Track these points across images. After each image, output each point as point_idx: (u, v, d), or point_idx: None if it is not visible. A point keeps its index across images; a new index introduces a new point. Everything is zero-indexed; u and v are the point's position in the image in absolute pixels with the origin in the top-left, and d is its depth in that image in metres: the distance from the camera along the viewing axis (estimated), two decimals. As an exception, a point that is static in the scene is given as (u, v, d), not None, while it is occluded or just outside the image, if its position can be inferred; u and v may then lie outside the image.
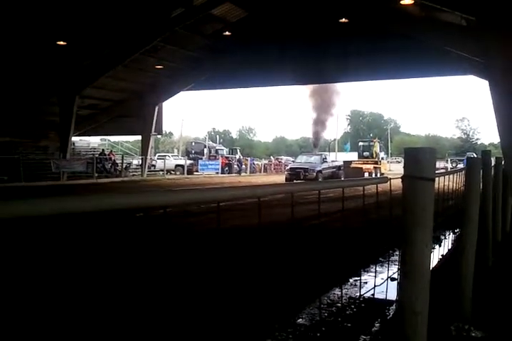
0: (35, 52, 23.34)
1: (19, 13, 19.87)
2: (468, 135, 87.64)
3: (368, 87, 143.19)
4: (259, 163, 48.54)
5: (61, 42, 23.15)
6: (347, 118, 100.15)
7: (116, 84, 30.12)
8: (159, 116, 33.90)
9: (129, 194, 1.18)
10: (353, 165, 34.43)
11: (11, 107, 27.56)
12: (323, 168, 30.99)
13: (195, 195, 1.34)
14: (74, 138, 32.17)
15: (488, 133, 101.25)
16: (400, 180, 2.24)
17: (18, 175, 23.48)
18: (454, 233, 7.60)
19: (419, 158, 2.19)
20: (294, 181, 27.61)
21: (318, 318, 3.99)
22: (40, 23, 21.05)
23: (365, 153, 38.29)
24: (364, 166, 34.64)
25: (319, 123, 55.85)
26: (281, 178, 31.03)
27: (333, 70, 27.84)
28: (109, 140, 44.40)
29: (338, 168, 33.17)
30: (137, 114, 32.51)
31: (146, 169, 32.83)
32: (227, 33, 27.05)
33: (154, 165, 37.59)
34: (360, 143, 41.13)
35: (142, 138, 33.58)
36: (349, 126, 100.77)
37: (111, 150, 36.42)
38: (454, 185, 6.94)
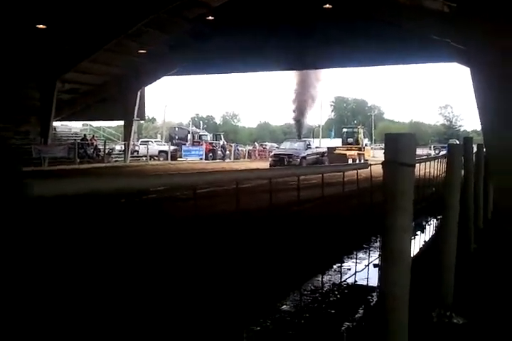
0: (14, 36, 22.86)
1: (-3, -6, 19.45)
2: (452, 122, 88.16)
3: (352, 73, 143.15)
4: (244, 149, 48.47)
5: (41, 26, 22.72)
6: (331, 105, 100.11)
7: (98, 68, 29.71)
8: (142, 101, 33.60)
9: (109, 177, 1.15)
10: (336, 152, 34.64)
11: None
12: (308, 154, 31.09)
13: (177, 179, 1.32)
14: (55, 123, 31.80)
15: (471, 121, 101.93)
16: (381, 166, 2.22)
17: (-2, 160, 23.14)
18: (436, 220, 7.65)
19: (399, 143, 2.17)
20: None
21: (301, 304, 4.00)
22: (19, 5, 20.61)
23: (349, 140, 38.55)
24: (348, 152, 34.88)
25: (301, 110, 55.85)
26: (265, 164, 31.05)
27: (317, 56, 27.79)
28: (91, 125, 43.92)
29: (322, 154, 33.29)
30: (119, 99, 32.13)
31: (129, 155, 32.58)
32: (210, 17, 26.76)
33: (137, 151, 37.34)
34: (344, 130, 41.41)
35: (125, 123, 33.24)
36: (333, 113, 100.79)
37: (93, 136, 36.06)
38: (436, 172, 6.97)
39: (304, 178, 2.29)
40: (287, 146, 33.04)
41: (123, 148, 32.91)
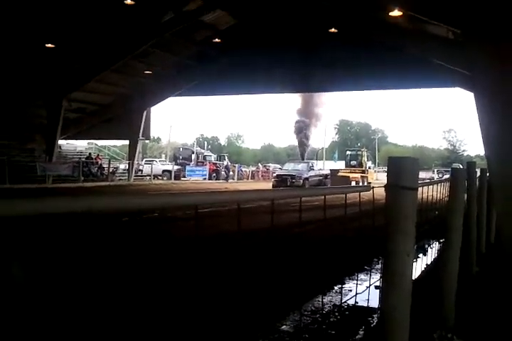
0: (23, 54, 23.21)
1: (7, 13, 19.76)
2: (455, 146, 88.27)
3: (357, 97, 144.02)
4: (247, 170, 48.54)
5: (49, 45, 23.05)
6: (335, 128, 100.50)
7: (105, 88, 30.03)
8: (147, 121, 33.80)
9: (111, 196, 1.17)
10: (340, 174, 34.65)
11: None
12: (310, 176, 31.10)
13: (179, 199, 1.34)
14: (60, 142, 31.95)
15: (474, 145, 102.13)
16: (384, 188, 2.25)
17: (4, 177, 23.25)
18: (439, 243, 7.64)
19: (402, 167, 2.20)
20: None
21: (301, 325, 3.99)
22: (29, 24, 20.96)
23: (353, 162, 38.57)
24: (351, 175, 34.86)
25: (305, 132, 56.34)
26: (268, 185, 31.06)
27: (321, 79, 28.01)
28: (96, 144, 44.14)
29: (325, 176, 33.30)
30: (125, 119, 32.34)
31: (133, 174, 32.67)
32: (216, 39, 27.12)
33: (141, 170, 37.42)
34: (348, 152, 41.46)
35: (130, 142, 33.42)
36: (337, 136, 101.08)
37: (98, 154, 36.22)
38: (439, 195, 6.99)
39: (306, 200, 2.32)
40: (290, 167, 33.08)
41: (127, 167, 33.00)
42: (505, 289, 4.54)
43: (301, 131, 56.47)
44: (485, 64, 5.17)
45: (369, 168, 39.61)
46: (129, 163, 32.59)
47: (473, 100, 5.17)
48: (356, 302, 4.19)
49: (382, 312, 2.26)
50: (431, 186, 6.32)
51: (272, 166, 55.30)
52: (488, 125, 5.08)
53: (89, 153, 34.90)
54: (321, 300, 4.64)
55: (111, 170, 31.71)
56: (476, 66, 5.30)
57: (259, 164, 59.79)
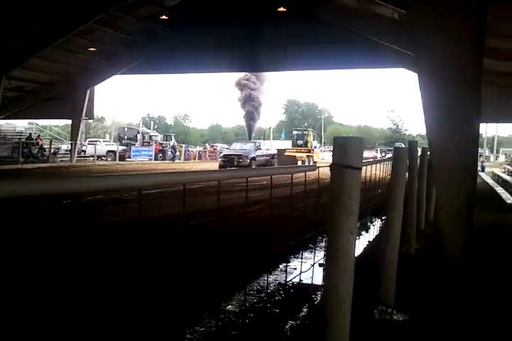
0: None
1: None
2: (398, 126, 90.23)
3: (304, 77, 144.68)
4: (194, 150, 48.22)
5: (-14, 20, 21.95)
6: (283, 108, 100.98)
7: (47, 65, 28.91)
8: (91, 100, 32.90)
9: (44, 179, 1.12)
10: (286, 154, 35.04)
11: None
12: (257, 155, 31.22)
13: (118, 181, 1.30)
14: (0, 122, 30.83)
15: (416, 125, 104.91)
16: (329, 169, 2.28)
17: None
18: (381, 220, 7.85)
19: (347, 147, 2.23)
20: (227, 168, 27.83)
21: (247, 304, 4.03)
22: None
23: (299, 142, 39.12)
24: (297, 154, 35.36)
25: (251, 112, 56.39)
26: (215, 165, 31.03)
27: (269, 58, 27.98)
28: (37, 124, 42.71)
29: (272, 156, 33.53)
30: (68, 98, 31.40)
31: (76, 154, 31.88)
32: (163, 17, 26.56)
33: (84, 151, 36.54)
34: (294, 132, 42.02)
35: (72, 122, 32.46)
36: (285, 115, 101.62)
37: (38, 135, 35.07)
38: (382, 173, 7.15)
39: (253, 180, 2.32)
40: (237, 147, 33.09)
41: (69, 147, 32.16)
42: (441, 266, 4.72)
43: (249, 111, 56.39)
44: (429, 46, 5.28)
45: (315, 147, 40.21)
46: (71, 144, 31.76)
47: (417, 81, 5.28)
48: (301, 280, 4.26)
49: (326, 289, 2.30)
50: (374, 165, 6.44)
51: (219, 146, 55.14)
52: (430, 105, 5.21)
53: (30, 134, 33.74)
54: (266, 279, 4.70)
55: (52, 151, 30.87)
56: (421, 48, 5.40)
57: (207, 144, 59.53)
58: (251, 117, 56.58)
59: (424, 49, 5.30)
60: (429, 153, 7.25)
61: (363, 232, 7.01)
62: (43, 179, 1.08)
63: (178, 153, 41.33)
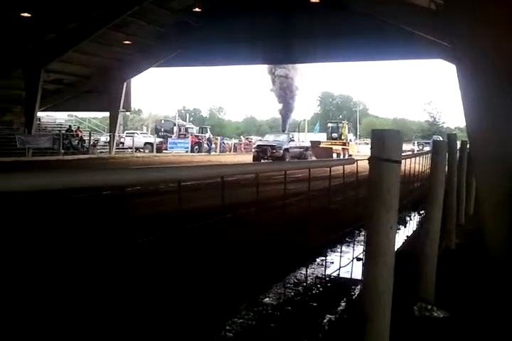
0: (-2, 25, 22.52)
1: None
2: (435, 118, 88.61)
3: (340, 69, 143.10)
4: (229, 143, 48.39)
5: (26, 14, 22.38)
6: (317, 100, 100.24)
7: (84, 58, 29.45)
8: (128, 92, 33.37)
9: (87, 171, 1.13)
10: (321, 146, 34.76)
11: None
12: (291, 147, 31.06)
13: (157, 174, 1.30)
14: (40, 114, 31.45)
15: (454, 117, 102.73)
16: (367, 161, 2.24)
17: (-19, 150, 22.96)
18: (419, 214, 7.73)
19: (385, 140, 2.18)
20: (262, 159, 27.85)
21: (284, 298, 4.02)
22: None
23: (334, 134, 38.72)
24: (333, 147, 35.01)
25: (286, 104, 56.03)
26: (250, 158, 31.07)
27: (301, 50, 27.83)
28: (76, 116, 43.54)
29: (306, 148, 33.31)
30: (105, 90, 31.92)
31: (114, 146, 32.39)
32: (197, 9, 26.63)
33: (123, 143, 37.10)
34: (329, 125, 41.58)
35: (110, 114, 33.03)
36: (319, 108, 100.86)
37: (78, 127, 35.75)
38: (420, 167, 7.03)
39: (288, 173, 2.31)
40: (271, 138, 32.99)
41: (108, 139, 32.69)
42: (483, 261, 4.61)
43: (284, 103, 56.02)
44: (468, 36, 5.13)
45: (350, 140, 39.77)
46: (110, 136, 32.27)
47: (455, 72, 5.14)
48: (339, 274, 4.23)
49: (365, 284, 2.27)
50: (412, 158, 6.35)
51: (254, 139, 55.20)
52: (470, 97, 5.07)
53: (70, 126, 34.42)
54: (302, 272, 4.68)
55: (92, 143, 31.39)
56: (459, 38, 5.25)
57: (242, 136, 59.63)
58: (285, 107, 56.21)
59: (462, 39, 5.16)
60: (468, 145, 7.10)
61: (402, 227, 6.92)
62: (88, 171, 1.10)
63: (213, 146, 41.55)
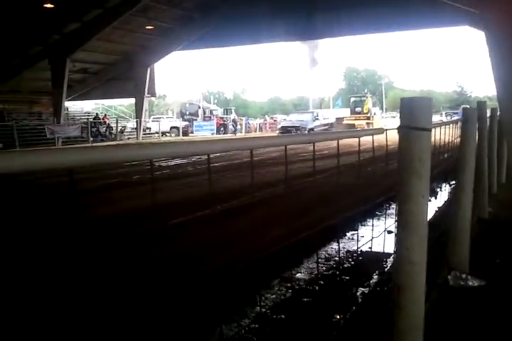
0: (22, 16, 22.70)
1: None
2: (463, 88, 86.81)
3: (362, 42, 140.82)
4: (254, 123, 48.28)
5: (48, 5, 22.52)
6: (342, 75, 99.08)
7: (107, 46, 29.61)
8: (152, 77, 33.49)
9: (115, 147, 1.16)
10: (345, 122, 34.26)
11: (1, 74, 27.18)
12: (315, 126, 30.88)
13: (187, 148, 1.33)
14: (67, 103, 31.86)
15: (482, 86, 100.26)
16: (397, 131, 2.21)
17: (13, 141, 23.39)
18: (449, 185, 7.64)
19: (415, 108, 2.15)
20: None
21: (316, 272, 4.04)
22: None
23: (358, 109, 37.52)
24: (356, 122, 34.35)
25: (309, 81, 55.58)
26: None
27: (325, 25, 27.43)
28: (102, 104, 43.91)
29: (331, 124, 33.05)
30: (130, 77, 32.11)
31: (142, 132, 32.67)
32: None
33: (149, 128, 37.35)
34: (352, 99, 40.16)
35: (136, 100, 33.27)
36: (344, 83, 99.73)
37: (105, 114, 36.09)
38: (449, 137, 6.92)
39: (316, 149, 2.29)
40: (294, 118, 32.73)
41: (135, 125, 32.97)
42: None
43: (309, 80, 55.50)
44: (497, 1, 4.99)
45: (375, 114, 38.74)
46: (136, 122, 32.55)
47: (484, 39, 5.01)
48: (370, 247, 4.23)
49: (398, 254, 2.26)
50: (440, 128, 6.24)
51: (279, 118, 54.95)
52: (500, 64, 4.94)
53: (96, 113, 34.76)
54: (333, 247, 4.69)
55: (119, 130, 31.71)
56: (487, 3, 5.11)
57: (266, 116, 59.40)
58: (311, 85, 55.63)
59: (493, 7, 5.02)
60: (498, 113, 6.94)
61: (433, 198, 6.85)
62: (113, 148, 1.13)
63: (239, 126, 41.54)
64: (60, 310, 3.16)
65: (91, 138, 27.68)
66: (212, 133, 38.03)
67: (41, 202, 7.48)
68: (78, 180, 1.36)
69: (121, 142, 28.95)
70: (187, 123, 39.24)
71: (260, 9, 26.83)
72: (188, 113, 42.80)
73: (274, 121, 50.36)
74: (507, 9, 4.91)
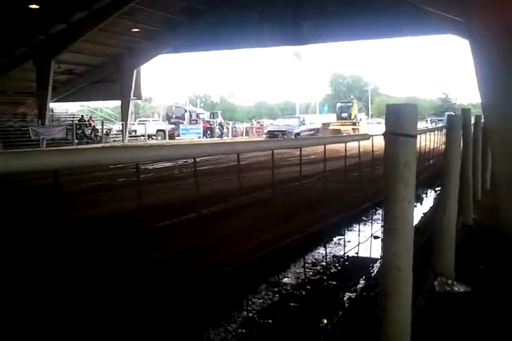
0: (7, 17, 22.52)
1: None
2: (447, 95, 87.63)
3: (349, 50, 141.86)
4: (241, 127, 48.29)
5: (34, 6, 22.38)
6: (328, 81, 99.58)
7: (93, 48, 29.49)
8: (138, 80, 33.42)
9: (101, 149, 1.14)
10: (331, 127, 34.40)
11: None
12: (302, 131, 31.02)
13: (172, 152, 1.32)
14: (52, 105, 31.64)
15: (466, 93, 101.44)
16: (383, 137, 2.22)
17: (-4, 142, 23.21)
18: (435, 191, 7.69)
19: (400, 114, 2.16)
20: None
21: (303, 277, 4.04)
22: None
23: (344, 115, 37.73)
24: (342, 128, 34.50)
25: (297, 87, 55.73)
26: (262, 141, 31.05)
27: (311, 31, 27.61)
28: (88, 106, 43.66)
29: (317, 130, 33.19)
30: (115, 79, 32.04)
31: (127, 134, 32.53)
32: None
33: (135, 131, 37.20)
34: (338, 104, 40.34)
35: (122, 103, 33.17)
36: (330, 88, 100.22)
37: (90, 116, 35.89)
38: (434, 144, 6.97)
39: (303, 154, 2.28)
40: (281, 123, 32.86)
41: (121, 128, 32.81)
42: (500, 235, 4.59)
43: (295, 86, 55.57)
44: (482, 11, 5.04)
45: (360, 120, 38.98)
46: (122, 124, 32.40)
47: (469, 48, 5.06)
48: (356, 253, 4.24)
49: (385, 260, 2.27)
50: (425, 134, 6.28)
51: (265, 122, 54.99)
52: (484, 72, 5.00)
53: (82, 115, 34.55)
54: (319, 252, 4.69)
55: (105, 132, 31.53)
56: (472, 13, 5.16)
57: (253, 120, 59.44)
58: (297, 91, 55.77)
59: (477, 16, 5.06)
60: (483, 120, 7.01)
61: (418, 204, 6.89)
62: (99, 150, 1.11)
63: (225, 130, 41.53)
64: (41, 311, 3.13)
65: (76, 140, 27.49)
66: (199, 137, 37.97)
67: (26, 204, 7.42)
68: (63, 182, 1.34)
69: (106, 144, 28.78)
70: (173, 126, 39.16)
71: (248, 14, 26.92)
72: (174, 116, 42.69)
73: (261, 125, 50.43)
74: (491, 18, 4.97)
